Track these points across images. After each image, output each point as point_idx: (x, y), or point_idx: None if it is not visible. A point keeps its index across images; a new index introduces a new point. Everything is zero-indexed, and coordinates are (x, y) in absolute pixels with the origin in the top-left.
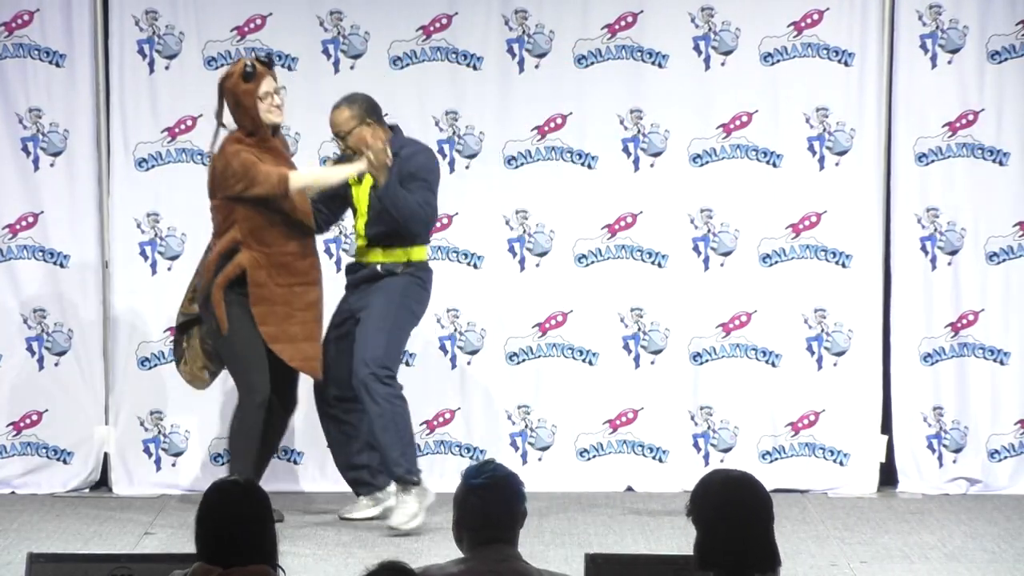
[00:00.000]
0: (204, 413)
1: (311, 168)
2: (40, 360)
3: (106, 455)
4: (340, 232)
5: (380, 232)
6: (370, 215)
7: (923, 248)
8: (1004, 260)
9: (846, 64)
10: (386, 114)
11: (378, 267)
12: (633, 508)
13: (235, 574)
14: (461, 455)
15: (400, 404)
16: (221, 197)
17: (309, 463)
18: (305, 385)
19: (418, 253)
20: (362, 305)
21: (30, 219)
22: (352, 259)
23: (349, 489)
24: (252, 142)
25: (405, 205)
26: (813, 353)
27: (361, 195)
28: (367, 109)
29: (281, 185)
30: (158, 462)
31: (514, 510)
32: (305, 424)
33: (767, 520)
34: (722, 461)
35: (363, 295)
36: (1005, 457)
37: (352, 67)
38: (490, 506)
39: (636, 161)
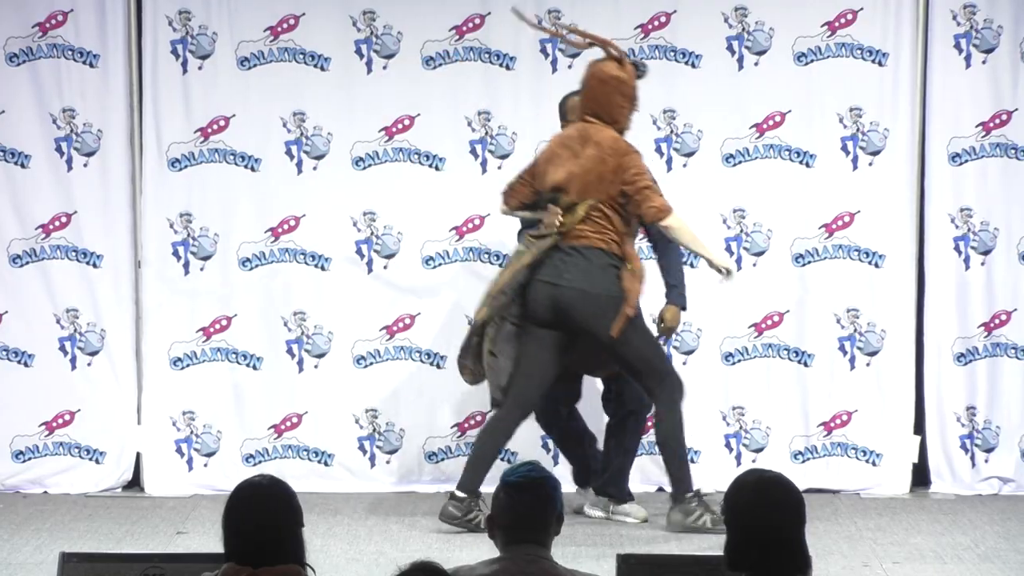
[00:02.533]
0: (236, 413)
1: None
2: (73, 360)
3: (138, 455)
4: (372, 233)
5: None
6: None
7: (956, 248)
8: None
9: (880, 64)
10: (417, 114)
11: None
12: (665, 509)
13: (265, 574)
14: (501, 458)
15: None
16: (608, 193)
17: (339, 464)
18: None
19: None
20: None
21: (63, 219)
22: None
23: (379, 490)
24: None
25: None
26: (846, 353)
27: None
28: None
29: (662, 215)
30: (190, 462)
31: (546, 511)
32: (335, 426)
33: (799, 523)
34: (754, 461)
35: None
36: None
37: (385, 67)
38: (521, 505)
39: (669, 161)
